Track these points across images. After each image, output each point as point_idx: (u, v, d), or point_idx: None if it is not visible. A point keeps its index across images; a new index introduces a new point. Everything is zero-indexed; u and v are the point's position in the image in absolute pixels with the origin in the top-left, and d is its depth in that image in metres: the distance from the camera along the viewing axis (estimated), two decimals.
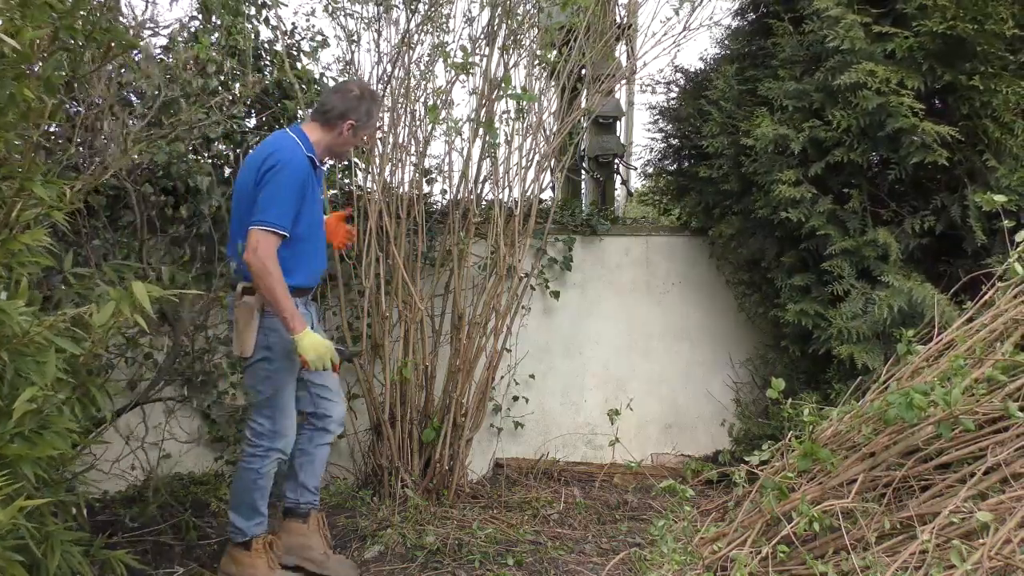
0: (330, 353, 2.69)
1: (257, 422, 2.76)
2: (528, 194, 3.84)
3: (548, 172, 3.97)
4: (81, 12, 1.83)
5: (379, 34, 3.71)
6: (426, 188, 3.92)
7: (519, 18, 3.71)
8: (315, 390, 2.91)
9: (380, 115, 3.00)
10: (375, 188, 3.70)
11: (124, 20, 2.86)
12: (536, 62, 3.81)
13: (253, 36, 3.66)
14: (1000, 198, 2.76)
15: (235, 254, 2.71)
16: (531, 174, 3.83)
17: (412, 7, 3.63)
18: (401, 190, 3.75)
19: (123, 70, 2.96)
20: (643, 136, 5.01)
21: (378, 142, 3.75)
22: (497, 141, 3.76)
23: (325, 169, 3.04)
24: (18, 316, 1.70)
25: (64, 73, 1.97)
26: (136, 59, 2.93)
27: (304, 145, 2.71)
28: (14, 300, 1.74)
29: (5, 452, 1.73)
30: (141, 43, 2.64)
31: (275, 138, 2.77)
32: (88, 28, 1.89)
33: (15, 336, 1.72)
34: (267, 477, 2.78)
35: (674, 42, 4.00)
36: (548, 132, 3.86)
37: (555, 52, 3.79)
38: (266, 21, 3.82)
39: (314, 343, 2.64)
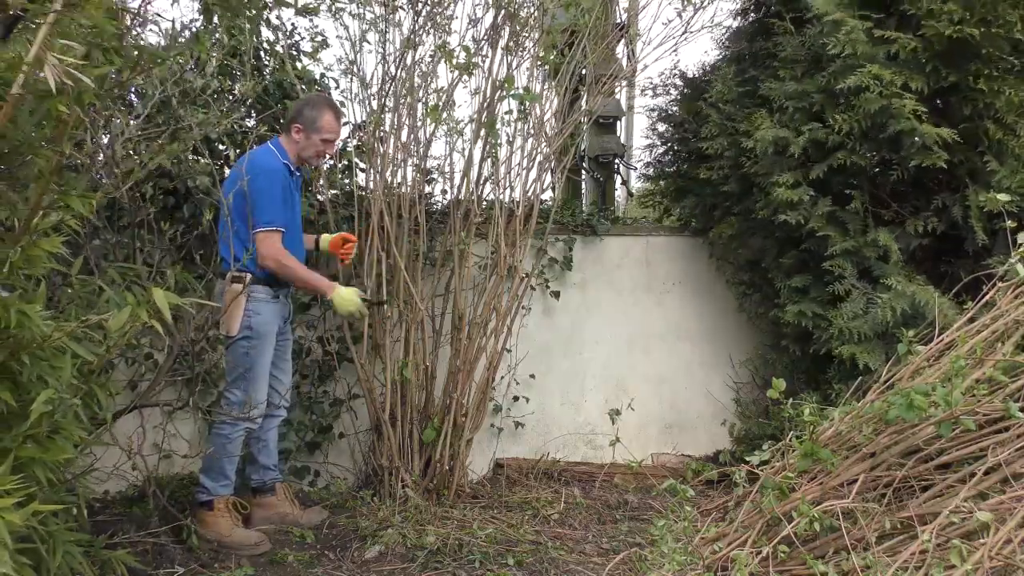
0: (358, 304, 3.12)
1: (232, 392, 3.08)
2: (529, 194, 3.84)
3: (549, 173, 3.97)
4: (111, 29, 1.85)
5: (383, 35, 3.70)
6: (427, 188, 3.92)
7: (522, 19, 3.70)
8: (270, 382, 3.20)
9: (338, 120, 3.19)
10: (377, 188, 3.70)
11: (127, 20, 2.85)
12: (539, 63, 3.81)
13: (254, 36, 3.65)
14: (1003, 197, 2.77)
15: (225, 249, 3.05)
16: (532, 174, 3.84)
17: (415, 8, 3.63)
18: (403, 190, 3.75)
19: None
20: (643, 139, 5.00)
21: (379, 142, 3.76)
22: (499, 142, 3.76)
23: (302, 175, 3.34)
24: (39, 320, 1.72)
25: (95, 89, 1.97)
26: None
27: (279, 153, 3.11)
28: (32, 304, 1.75)
29: (20, 454, 1.74)
30: (168, 60, 2.66)
31: (253, 151, 3.15)
32: (116, 43, 1.92)
33: (34, 340, 1.73)
34: (235, 443, 3.09)
35: (675, 44, 4.00)
36: (550, 133, 3.86)
37: (557, 53, 3.79)
38: (267, 21, 3.81)
39: (344, 300, 3.09)
